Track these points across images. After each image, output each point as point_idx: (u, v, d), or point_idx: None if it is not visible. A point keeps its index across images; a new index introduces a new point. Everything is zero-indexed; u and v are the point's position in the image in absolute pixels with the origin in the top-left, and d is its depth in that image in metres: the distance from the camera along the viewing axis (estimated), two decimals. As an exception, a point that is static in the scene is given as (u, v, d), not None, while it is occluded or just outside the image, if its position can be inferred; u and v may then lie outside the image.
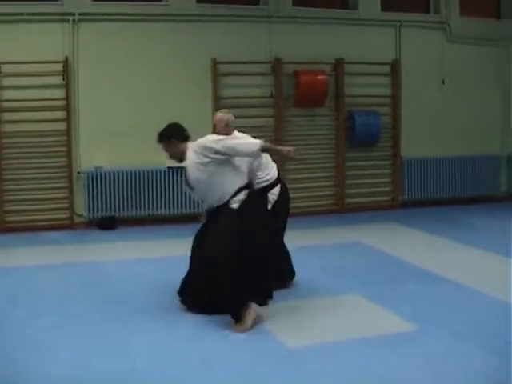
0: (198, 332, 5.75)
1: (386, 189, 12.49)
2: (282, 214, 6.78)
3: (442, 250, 8.99)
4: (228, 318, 5.87)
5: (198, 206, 10.96)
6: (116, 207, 10.79)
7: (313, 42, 11.69)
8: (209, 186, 5.97)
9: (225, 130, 6.82)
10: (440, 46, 12.62)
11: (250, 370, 4.91)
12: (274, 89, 11.48)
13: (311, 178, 11.50)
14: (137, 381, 4.72)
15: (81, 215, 10.78)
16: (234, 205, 5.87)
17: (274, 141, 9.42)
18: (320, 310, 6.34)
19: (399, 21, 12.30)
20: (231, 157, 5.92)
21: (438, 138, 12.70)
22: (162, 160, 10.81)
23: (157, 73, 10.99)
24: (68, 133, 10.57)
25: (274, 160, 6.96)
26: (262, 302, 5.93)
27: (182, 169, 11.07)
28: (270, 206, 6.62)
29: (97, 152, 10.73)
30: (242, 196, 5.90)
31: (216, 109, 11.03)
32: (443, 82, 12.63)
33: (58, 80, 10.47)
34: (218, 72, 11.18)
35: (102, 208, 10.73)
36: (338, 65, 11.85)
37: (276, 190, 6.71)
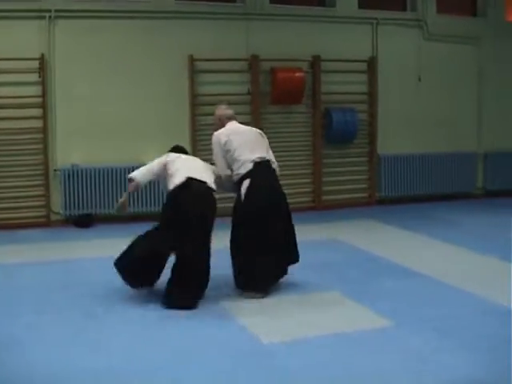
0: (174, 328, 5.76)
1: (363, 186, 12.54)
2: (251, 208, 6.68)
3: (419, 247, 9.04)
4: (207, 312, 5.89)
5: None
6: (92, 205, 10.75)
7: (290, 40, 11.71)
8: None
9: (217, 125, 7.06)
10: (416, 43, 12.68)
11: (225, 365, 4.91)
12: (250, 86, 11.48)
13: (288, 175, 11.50)
14: (113, 377, 4.72)
15: (57, 213, 10.73)
16: None
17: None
18: (296, 307, 6.36)
19: (376, 18, 12.35)
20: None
21: (415, 135, 12.76)
22: (138, 157, 10.86)
23: (134, 70, 10.96)
24: (44, 130, 10.52)
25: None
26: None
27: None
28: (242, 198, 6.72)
29: (73, 149, 10.69)
30: None
31: (193, 106, 11.08)
32: (419, 80, 12.69)
33: (34, 77, 10.41)
34: (195, 69, 11.17)
35: (78, 205, 10.68)
36: (315, 62, 11.88)
37: (246, 184, 6.69)
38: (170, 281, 6.37)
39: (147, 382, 4.67)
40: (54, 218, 10.73)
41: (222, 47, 11.28)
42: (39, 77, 10.42)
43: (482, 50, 13.14)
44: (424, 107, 12.80)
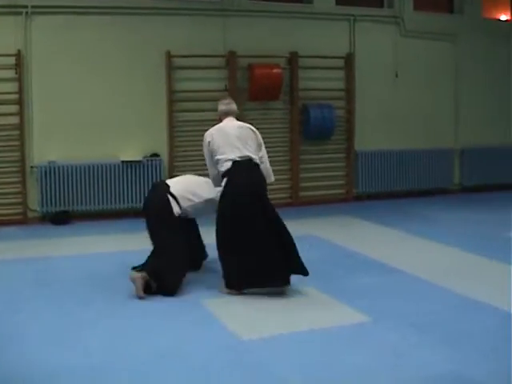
0: (150, 325, 5.76)
1: (340, 182, 12.57)
2: (225, 207, 6.69)
3: (396, 242, 9.08)
4: (186, 309, 5.89)
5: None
6: (69, 202, 10.69)
7: (267, 36, 11.72)
8: None
9: (218, 121, 7.15)
10: (393, 40, 12.73)
11: (204, 361, 4.91)
12: (228, 82, 11.47)
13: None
14: (90, 375, 4.70)
15: (34, 210, 10.67)
16: None
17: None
18: (273, 303, 6.36)
19: (353, 15, 12.38)
20: None
21: (392, 132, 12.82)
22: (115, 154, 10.83)
23: (111, 66, 10.91)
24: (21, 127, 10.45)
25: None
26: None
27: (136, 163, 11.09)
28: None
29: (50, 146, 10.63)
30: None
31: (170, 102, 11.06)
32: (397, 76, 12.74)
33: (11, 73, 10.34)
34: (172, 65, 11.14)
35: (55, 203, 10.62)
36: (293, 58, 11.89)
37: (223, 183, 6.71)
38: None
39: (126, 379, 4.65)
40: (30, 215, 10.67)
41: (200, 43, 11.25)
42: (16, 73, 10.34)
43: (459, 47, 13.22)
44: (401, 103, 12.86)
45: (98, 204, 10.81)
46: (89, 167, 10.71)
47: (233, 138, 6.76)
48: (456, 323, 5.69)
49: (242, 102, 11.35)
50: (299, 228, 9.81)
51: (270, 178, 7.10)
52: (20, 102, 10.42)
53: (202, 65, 11.28)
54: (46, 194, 10.56)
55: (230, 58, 11.42)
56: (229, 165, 6.67)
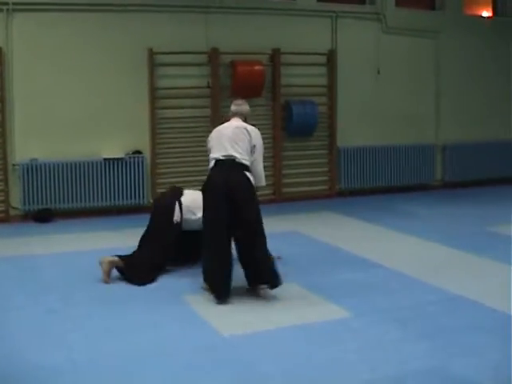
0: (133, 323, 5.77)
1: (323, 178, 12.59)
2: (204, 205, 6.71)
3: (379, 238, 9.12)
4: (168, 305, 5.90)
5: (135, 198, 10.94)
6: (52, 199, 10.64)
7: (250, 33, 11.71)
8: None
9: None
10: (375, 36, 12.77)
11: (186, 358, 4.94)
12: (210, 79, 11.45)
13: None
14: (73, 373, 4.70)
15: (16, 208, 10.61)
16: None
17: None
18: (256, 299, 6.39)
19: (335, 12, 12.39)
20: None
21: (374, 128, 12.86)
22: (97, 151, 10.80)
23: (93, 63, 10.85)
24: (2, 124, 10.38)
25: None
26: None
27: (119, 160, 11.07)
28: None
29: (32, 144, 10.56)
30: None
31: (153, 99, 11.04)
32: (379, 72, 12.78)
33: (-8, 71, 10.32)
34: (154, 62, 11.11)
35: (37, 200, 10.57)
36: (275, 55, 11.89)
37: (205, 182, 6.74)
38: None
39: (107, 376, 4.66)
40: (12, 213, 10.62)
41: (182, 40, 11.22)
42: (-3, 70, 10.32)
43: (441, 44, 13.27)
44: (383, 100, 12.90)
45: (81, 201, 10.77)
46: (71, 165, 10.67)
47: (225, 138, 6.70)
48: (438, 318, 5.74)
49: (225, 99, 11.33)
50: (282, 224, 9.88)
51: (261, 181, 6.79)
52: (1, 100, 10.35)
53: (185, 62, 11.27)
54: (28, 191, 10.51)
55: (213, 54, 11.40)
56: (212, 163, 6.68)
